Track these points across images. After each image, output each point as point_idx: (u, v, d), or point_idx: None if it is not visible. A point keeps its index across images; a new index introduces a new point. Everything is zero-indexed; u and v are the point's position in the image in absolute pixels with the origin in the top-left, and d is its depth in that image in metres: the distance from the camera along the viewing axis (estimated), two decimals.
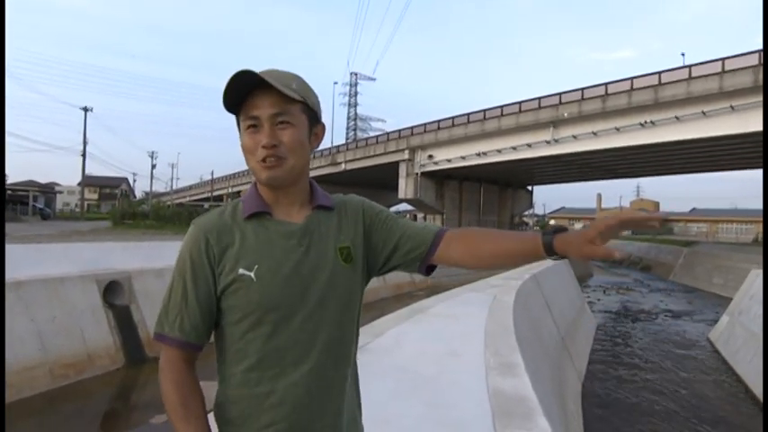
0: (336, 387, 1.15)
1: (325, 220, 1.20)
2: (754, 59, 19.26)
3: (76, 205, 47.45)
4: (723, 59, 20.29)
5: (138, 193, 74.06)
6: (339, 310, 1.15)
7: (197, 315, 1.10)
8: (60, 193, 54.50)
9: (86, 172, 40.78)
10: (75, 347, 8.36)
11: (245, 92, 1.09)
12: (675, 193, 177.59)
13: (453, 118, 33.17)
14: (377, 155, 38.24)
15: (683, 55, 44.78)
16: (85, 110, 38.19)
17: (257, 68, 1.11)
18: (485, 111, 30.98)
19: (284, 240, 1.13)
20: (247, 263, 1.09)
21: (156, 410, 7.77)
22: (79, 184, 43.66)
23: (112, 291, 9.73)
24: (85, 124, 38.11)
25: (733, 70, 19.75)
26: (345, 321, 1.16)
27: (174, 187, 70.28)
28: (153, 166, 52.80)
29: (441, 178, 36.54)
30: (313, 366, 1.11)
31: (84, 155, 38.18)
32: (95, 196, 69.76)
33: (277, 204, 1.16)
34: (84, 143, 38.15)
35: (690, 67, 21.42)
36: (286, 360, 1.09)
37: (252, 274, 1.08)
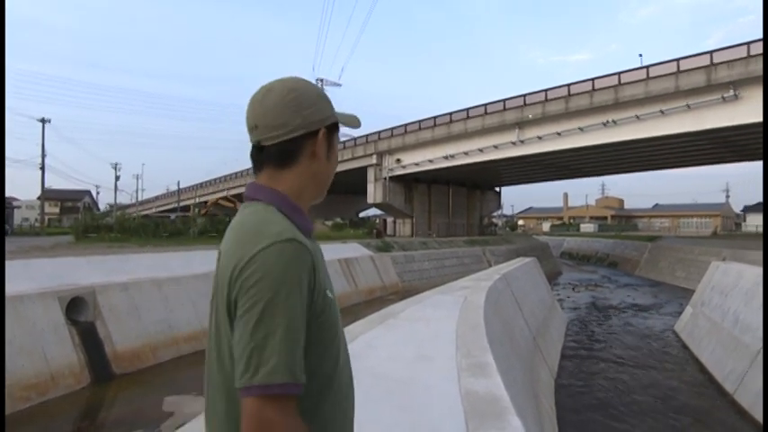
0: None
1: None
2: (706, 60, 20.02)
3: (36, 220, 45.71)
4: (678, 60, 21.01)
5: (102, 206, 72.06)
6: None
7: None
8: (18, 207, 52.45)
9: (46, 185, 39.48)
10: (36, 368, 8.07)
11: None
12: (639, 189, 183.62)
13: (420, 122, 33.37)
14: (345, 160, 38.15)
15: (640, 56, 46.09)
16: (43, 121, 36.98)
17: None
18: (451, 114, 31.28)
19: (323, 258, 1.12)
20: (329, 285, 1.08)
21: (124, 428, 7.56)
22: (39, 197, 42.25)
23: (76, 307, 9.44)
24: (44, 136, 36.92)
25: (687, 70, 20.48)
26: None
27: (140, 199, 68.69)
28: (117, 178, 51.49)
29: (409, 182, 36.71)
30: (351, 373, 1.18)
31: (42, 168, 36.97)
32: (57, 210, 67.52)
33: None
34: (43, 155, 36.94)
35: (647, 67, 22.09)
36: (346, 373, 1.13)
37: (331, 295, 1.06)
